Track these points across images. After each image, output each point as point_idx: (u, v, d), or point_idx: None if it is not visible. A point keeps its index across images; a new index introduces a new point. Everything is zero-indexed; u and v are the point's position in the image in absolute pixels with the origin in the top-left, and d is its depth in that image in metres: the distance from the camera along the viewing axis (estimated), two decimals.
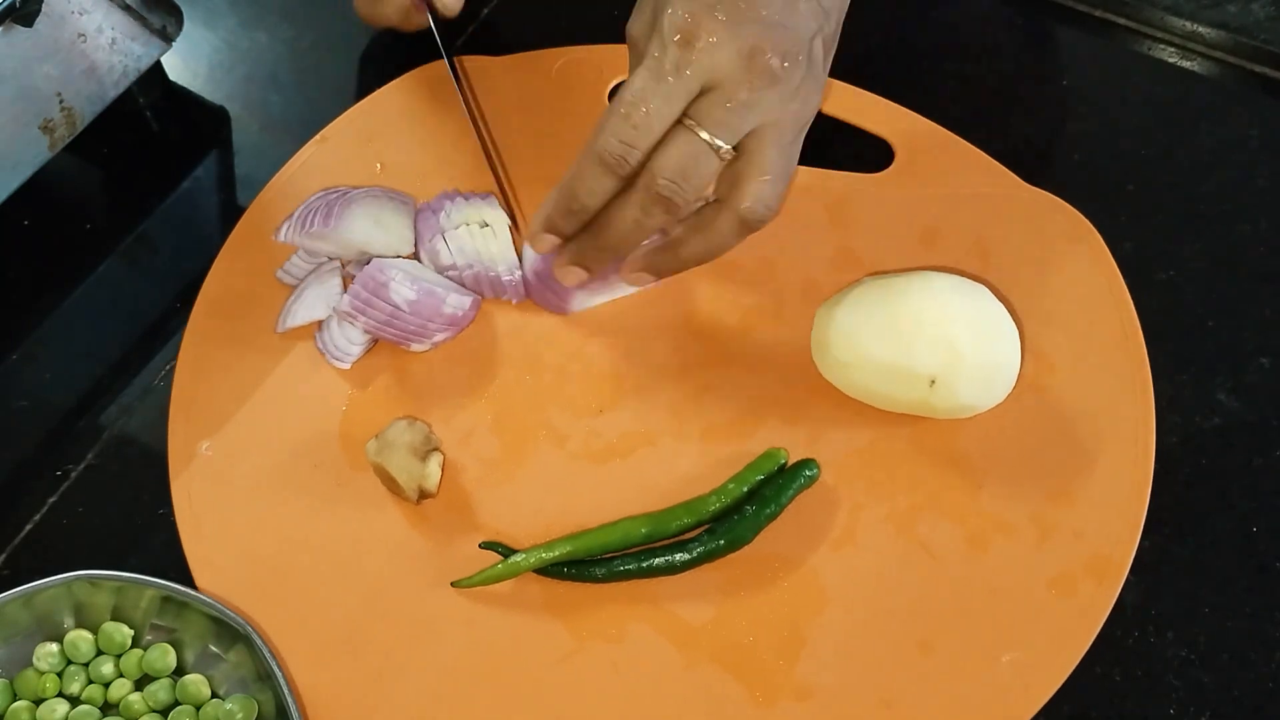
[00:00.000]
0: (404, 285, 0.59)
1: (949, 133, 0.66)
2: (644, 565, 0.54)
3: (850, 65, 0.61)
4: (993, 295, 0.57)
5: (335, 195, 0.63)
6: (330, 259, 0.63)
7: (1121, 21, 0.73)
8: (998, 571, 0.54)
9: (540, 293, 0.62)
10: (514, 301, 0.63)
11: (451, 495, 0.57)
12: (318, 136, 0.68)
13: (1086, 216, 0.63)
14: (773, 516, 0.55)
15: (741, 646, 0.53)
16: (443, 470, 0.57)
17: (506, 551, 0.55)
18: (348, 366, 0.61)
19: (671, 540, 0.55)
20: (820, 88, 0.55)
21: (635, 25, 0.54)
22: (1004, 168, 0.65)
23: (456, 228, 0.63)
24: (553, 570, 0.55)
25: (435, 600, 0.55)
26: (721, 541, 0.54)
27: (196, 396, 0.60)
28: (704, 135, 0.51)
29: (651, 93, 0.51)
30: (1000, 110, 0.70)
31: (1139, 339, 0.59)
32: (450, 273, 0.62)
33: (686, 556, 0.54)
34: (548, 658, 0.53)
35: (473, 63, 0.71)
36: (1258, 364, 0.61)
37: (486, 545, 0.55)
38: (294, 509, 0.57)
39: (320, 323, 0.62)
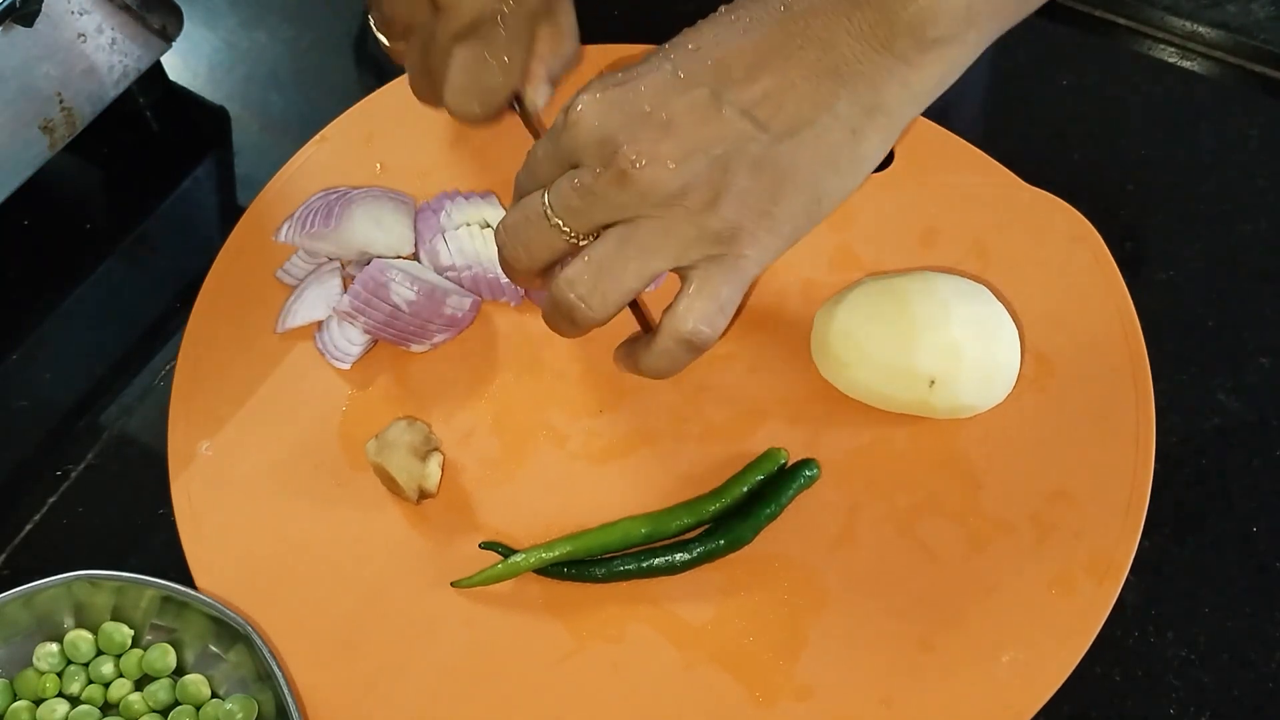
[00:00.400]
0: (404, 286, 0.59)
1: (949, 133, 0.66)
2: (644, 565, 0.54)
3: None
4: (992, 296, 0.57)
5: (335, 195, 0.63)
6: (330, 259, 0.63)
7: (1121, 21, 0.73)
8: (997, 571, 0.54)
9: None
10: (513, 304, 0.63)
11: (451, 495, 0.57)
12: (317, 136, 0.68)
13: (1086, 216, 0.63)
14: (773, 516, 0.55)
15: (741, 646, 0.53)
16: (443, 470, 0.57)
17: (506, 551, 0.55)
18: (347, 367, 0.61)
19: (672, 540, 0.55)
20: (734, 210, 0.46)
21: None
22: (1004, 167, 0.65)
23: (457, 228, 0.63)
24: (553, 570, 0.55)
25: (435, 600, 0.55)
26: (721, 541, 0.54)
27: (196, 396, 0.60)
28: (544, 201, 0.47)
29: (539, 150, 0.49)
30: (1000, 110, 0.70)
31: (1139, 339, 0.59)
32: (450, 273, 0.62)
33: (687, 556, 0.54)
34: (548, 658, 0.53)
35: None
36: (1258, 364, 0.61)
37: (486, 545, 0.55)
38: (294, 509, 0.57)
39: (320, 323, 0.62)
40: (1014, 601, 0.53)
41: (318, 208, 0.62)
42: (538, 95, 0.59)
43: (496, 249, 0.51)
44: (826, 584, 0.54)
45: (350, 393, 0.61)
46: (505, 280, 0.61)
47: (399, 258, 0.63)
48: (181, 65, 0.75)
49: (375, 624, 0.54)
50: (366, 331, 0.60)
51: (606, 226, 0.47)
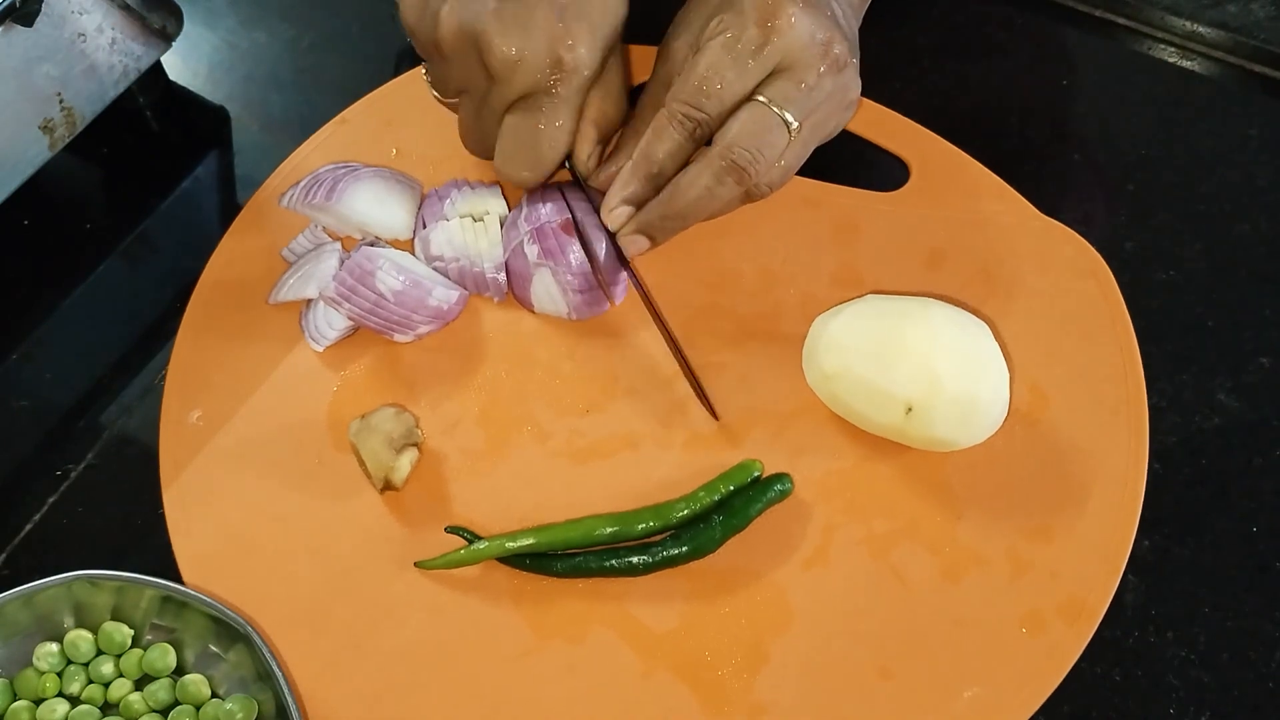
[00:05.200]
0: (390, 274, 0.59)
1: (968, 156, 0.66)
2: (605, 564, 0.54)
3: None
4: (989, 332, 0.56)
5: (345, 170, 0.64)
6: (331, 242, 0.63)
7: (1121, 21, 0.73)
8: (969, 604, 0.53)
9: (591, 294, 0.61)
10: (496, 300, 0.63)
11: (430, 483, 0.58)
12: (338, 118, 0.69)
13: (1086, 216, 0.64)
14: (739, 528, 0.55)
15: (701, 658, 0.53)
16: (413, 468, 0.57)
17: (471, 537, 0.55)
18: (321, 349, 0.61)
19: (636, 542, 0.55)
20: (858, 87, 0.58)
21: (676, 40, 0.58)
22: (1019, 194, 0.64)
23: (460, 217, 0.63)
24: (514, 561, 0.55)
25: (401, 584, 0.55)
26: (685, 548, 0.54)
27: (193, 365, 0.61)
28: (778, 112, 0.54)
29: (727, 66, 0.54)
30: (1000, 110, 0.70)
31: (1140, 380, 0.58)
32: (437, 264, 0.62)
33: (648, 560, 0.54)
34: (507, 652, 0.53)
35: None
36: (1258, 364, 0.61)
37: (452, 530, 0.55)
38: (274, 482, 0.58)
39: (309, 302, 0.62)
40: (982, 637, 0.53)
41: (325, 179, 0.63)
42: (589, 158, 0.60)
43: (745, 173, 0.56)
44: (793, 603, 0.54)
45: (343, 373, 0.61)
46: (492, 275, 0.61)
47: (387, 244, 0.63)
48: (181, 65, 0.75)
49: (341, 602, 0.55)
50: (350, 318, 0.60)
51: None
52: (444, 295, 0.60)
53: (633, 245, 0.59)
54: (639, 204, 0.58)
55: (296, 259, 0.63)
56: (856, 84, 0.58)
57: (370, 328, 0.60)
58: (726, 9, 0.55)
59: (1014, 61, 0.73)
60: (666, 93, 0.57)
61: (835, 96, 0.56)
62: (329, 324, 0.61)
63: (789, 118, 0.55)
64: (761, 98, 0.54)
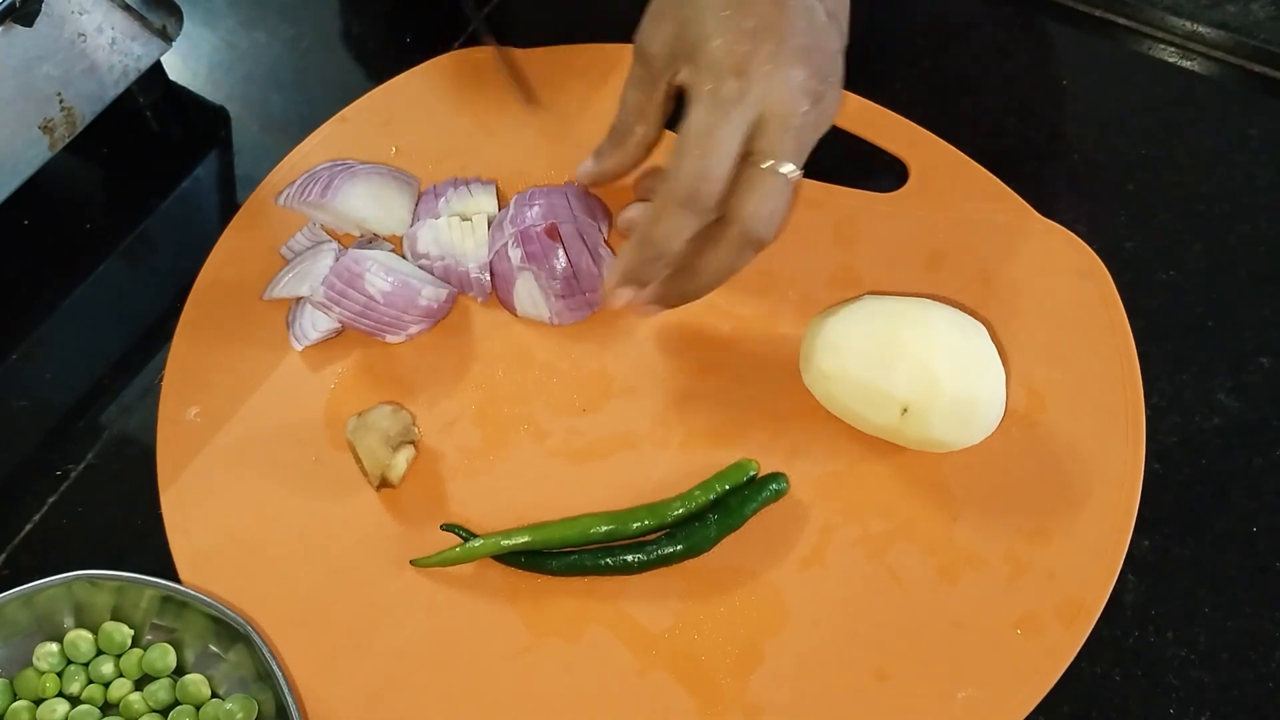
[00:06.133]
0: (379, 276, 0.59)
1: (966, 157, 0.65)
2: (600, 563, 0.54)
3: (847, 65, 0.61)
4: (987, 335, 0.56)
5: (341, 167, 0.64)
6: (328, 241, 0.63)
7: (1121, 21, 0.73)
8: (965, 606, 0.54)
9: (573, 300, 0.61)
10: (480, 300, 0.62)
11: (427, 481, 0.58)
12: (337, 116, 0.69)
13: (1087, 216, 0.63)
14: (734, 527, 0.55)
15: (697, 657, 0.53)
16: (410, 466, 0.57)
17: (466, 535, 0.55)
18: (300, 349, 0.61)
19: (631, 540, 0.55)
20: (840, 98, 0.56)
21: (652, 41, 0.54)
22: (1018, 196, 0.64)
23: (449, 216, 0.63)
24: (510, 559, 0.55)
25: (398, 582, 0.55)
26: (679, 547, 0.54)
27: (191, 362, 0.61)
28: (780, 168, 0.52)
29: (717, 124, 0.51)
30: (1000, 110, 0.70)
31: (1137, 383, 0.58)
32: (423, 261, 0.62)
33: (642, 558, 0.54)
34: (503, 650, 0.53)
35: (486, 53, 0.71)
36: (1258, 364, 0.61)
37: (447, 527, 0.55)
38: (271, 481, 0.58)
39: (297, 300, 0.62)
40: (978, 638, 0.53)
41: (321, 176, 0.63)
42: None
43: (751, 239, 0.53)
44: (789, 603, 0.54)
45: (341, 371, 0.61)
46: (476, 275, 0.61)
47: (381, 241, 0.63)
48: (181, 65, 0.75)
49: (338, 600, 0.55)
50: (341, 322, 0.60)
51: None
52: (433, 294, 0.60)
53: (646, 313, 0.58)
54: (639, 283, 0.54)
55: (295, 256, 0.63)
56: (836, 92, 0.55)
57: (362, 330, 0.60)
58: (696, 60, 0.52)
59: (1014, 61, 0.73)
60: (648, 90, 0.55)
61: (819, 120, 0.54)
62: (313, 325, 0.60)
63: (793, 170, 0.52)
64: (757, 155, 0.51)
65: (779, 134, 0.51)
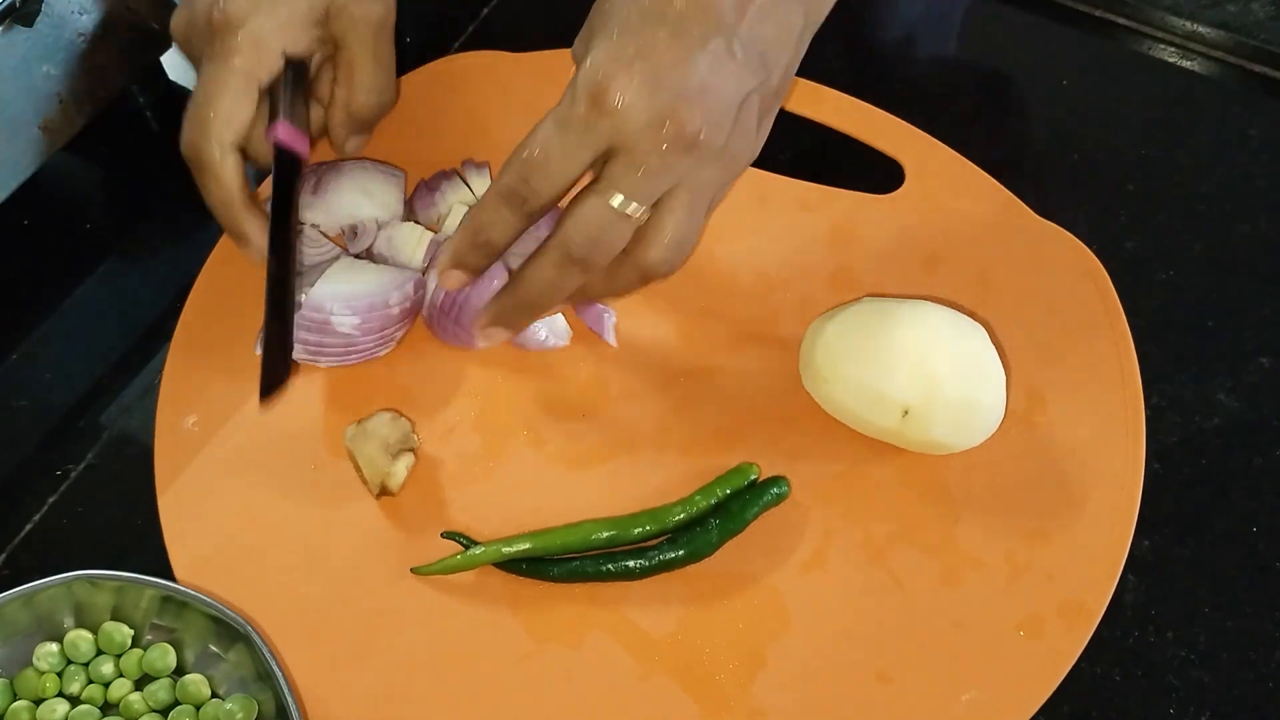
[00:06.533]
0: (344, 315, 0.58)
1: (963, 158, 0.65)
2: (601, 569, 0.54)
3: (845, 65, 0.61)
4: (987, 336, 0.55)
5: (325, 165, 0.64)
6: (321, 263, 0.63)
7: (1121, 21, 0.73)
8: (966, 608, 0.53)
9: (445, 327, 0.60)
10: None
11: (426, 488, 0.57)
12: None
13: (1087, 216, 0.63)
14: (735, 532, 0.55)
15: (699, 662, 0.53)
16: (410, 473, 0.57)
17: (468, 542, 0.55)
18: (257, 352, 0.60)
19: (633, 546, 0.55)
20: (752, 146, 0.51)
21: (577, 46, 0.51)
22: (1015, 197, 0.64)
23: (451, 206, 0.63)
24: (511, 566, 0.55)
25: (399, 590, 0.55)
26: (681, 552, 0.54)
27: (187, 370, 0.61)
28: (614, 201, 0.48)
29: (555, 143, 0.48)
30: (1000, 110, 0.70)
31: (1136, 384, 0.58)
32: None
33: (644, 564, 0.54)
34: (505, 657, 0.53)
35: (483, 58, 0.71)
36: (1258, 364, 0.61)
37: (448, 535, 0.55)
38: (269, 489, 0.57)
39: None
40: (980, 640, 0.53)
41: (308, 176, 0.63)
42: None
43: (547, 286, 0.51)
44: (790, 607, 0.54)
45: (338, 378, 0.61)
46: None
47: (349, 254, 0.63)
48: (182, 65, 0.74)
49: (338, 608, 0.54)
50: (333, 367, 0.60)
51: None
52: (403, 294, 0.59)
53: (490, 338, 0.54)
54: (466, 268, 0.53)
55: (297, 266, 0.63)
56: (739, 140, 0.49)
57: (355, 362, 0.60)
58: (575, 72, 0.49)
59: (1014, 61, 0.73)
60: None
61: (700, 168, 0.49)
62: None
63: (630, 207, 0.49)
64: (601, 184, 0.49)
65: (623, 170, 0.48)
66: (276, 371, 0.55)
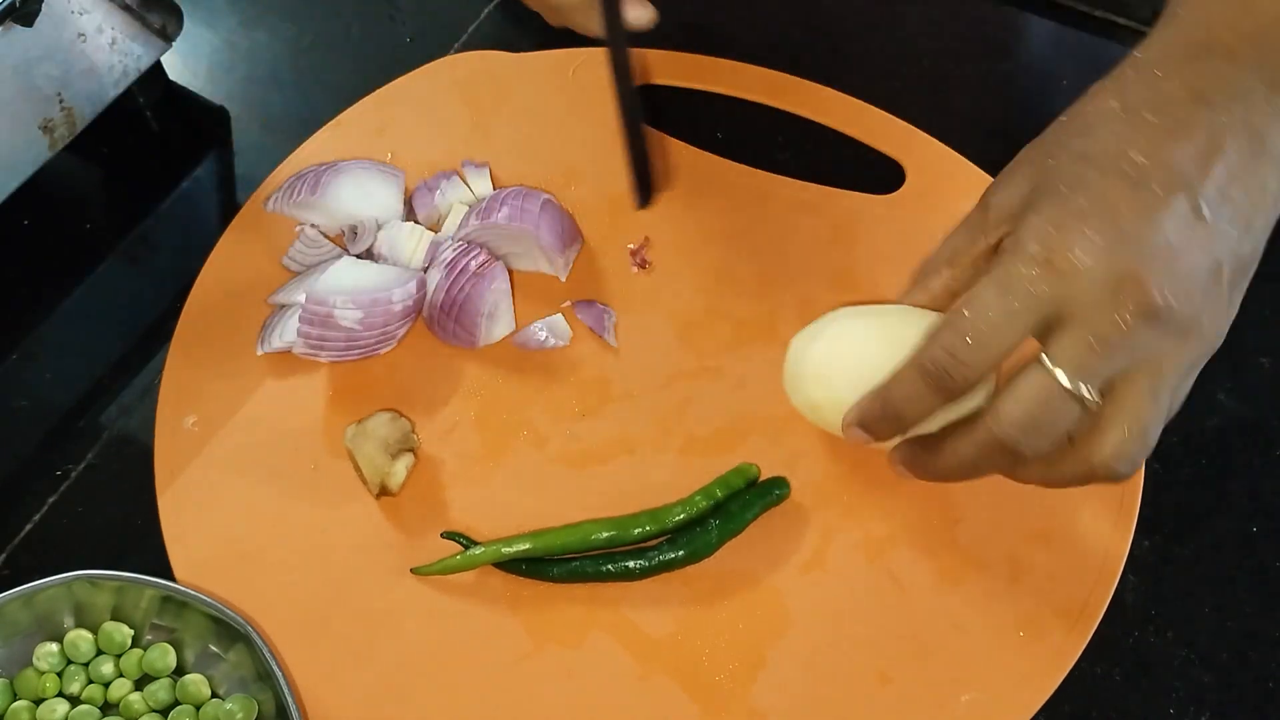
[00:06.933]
0: (348, 308, 0.58)
1: (962, 158, 0.65)
2: (601, 569, 0.54)
3: (845, 66, 0.61)
4: None
5: (325, 166, 0.64)
6: (330, 248, 0.63)
7: (1121, 21, 0.73)
8: (966, 608, 0.53)
9: (445, 327, 0.61)
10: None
11: (427, 488, 0.57)
12: (333, 122, 0.69)
13: None
14: (735, 532, 0.55)
15: (699, 662, 0.53)
16: (409, 473, 0.57)
17: (467, 543, 0.55)
18: (259, 353, 0.61)
19: (632, 546, 0.55)
20: (1224, 322, 0.45)
21: (1000, 189, 0.47)
22: None
23: (450, 205, 0.63)
24: (510, 566, 0.55)
25: (399, 590, 0.55)
26: (681, 552, 0.54)
27: (186, 370, 0.61)
28: (1062, 379, 0.42)
29: (994, 308, 0.43)
30: (1000, 110, 0.70)
31: None
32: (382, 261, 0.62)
33: (644, 564, 0.54)
34: (505, 657, 0.53)
35: (483, 58, 0.71)
36: (1257, 364, 0.61)
37: (448, 535, 0.55)
38: (269, 490, 0.57)
39: (278, 306, 0.62)
40: (980, 641, 0.53)
41: (307, 176, 0.63)
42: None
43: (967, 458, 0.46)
44: (790, 607, 0.54)
45: (338, 378, 0.61)
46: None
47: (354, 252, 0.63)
48: (181, 65, 0.75)
49: (338, 608, 0.55)
50: (333, 361, 0.60)
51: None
52: (405, 292, 0.59)
53: (899, 473, 0.51)
54: (871, 434, 0.49)
55: (299, 267, 0.63)
56: (1211, 311, 0.44)
57: (354, 359, 0.60)
58: (1017, 227, 0.44)
59: (1014, 61, 0.73)
60: (972, 238, 0.48)
61: (1163, 342, 0.43)
62: (279, 335, 0.60)
63: (1080, 389, 0.42)
64: (1045, 358, 0.43)
65: (1073, 343, 0.42)
66: (646, 177, 0.58)
